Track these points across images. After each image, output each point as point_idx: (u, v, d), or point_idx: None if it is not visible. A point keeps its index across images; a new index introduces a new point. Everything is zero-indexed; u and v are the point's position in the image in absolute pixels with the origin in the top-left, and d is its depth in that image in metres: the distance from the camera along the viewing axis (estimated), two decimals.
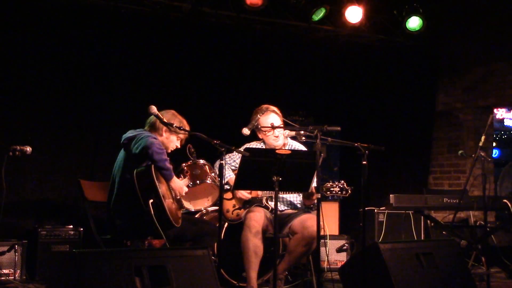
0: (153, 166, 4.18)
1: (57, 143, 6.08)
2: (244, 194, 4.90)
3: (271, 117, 4.80)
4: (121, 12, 6.14)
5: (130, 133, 4.42)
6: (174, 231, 4.31)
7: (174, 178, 4.37)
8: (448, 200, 5.83)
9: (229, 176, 4.91)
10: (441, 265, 4.30)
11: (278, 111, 4.90)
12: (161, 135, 4.48)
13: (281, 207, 4.92)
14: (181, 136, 4.55)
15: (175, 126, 4.38)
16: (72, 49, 6.13)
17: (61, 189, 6.07)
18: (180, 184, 4.44)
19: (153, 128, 4.48)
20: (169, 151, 4.56)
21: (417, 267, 4.20)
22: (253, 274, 4.61)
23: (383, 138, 7.39)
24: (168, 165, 4.27)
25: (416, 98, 7.89)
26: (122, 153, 4.47)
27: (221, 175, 4.05)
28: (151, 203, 4.09)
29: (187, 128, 4.53)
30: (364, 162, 4.17)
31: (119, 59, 6.35)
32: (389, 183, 7.59)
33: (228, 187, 4.87)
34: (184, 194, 4.47)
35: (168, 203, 4.25)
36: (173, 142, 4.55)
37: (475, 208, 5.83)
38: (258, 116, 4.78)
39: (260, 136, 4.95)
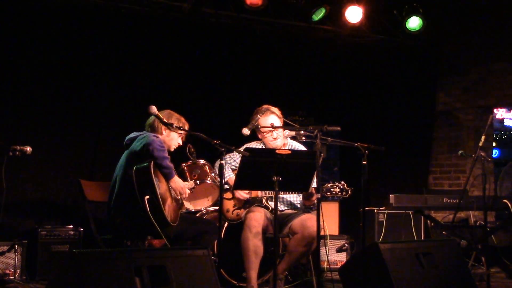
0: (152, 163, 4.18)
1: (57, 143, 6.09)
2: (242, 194, 4.90)
3: (270, 118, 4.80)
4: (121, 12, 6.14)
5: (132, 134, 4.44)
6: (174, 230, 4.32)
7: (175, 178, 4.36)
8: (448, 200, 5.84)
9: (229, 176, 4.91)
10: (441, 265, 4.30)
11: (278, 112, 4.89)
12: (161, 133, 4.49)
13: (281, 207, 4.92)
14: (182, 132, 4.56)
15: (175, 126, 4.39)
16: (72, 49, 6.13)
17: (61, 189, 6.07)
18: (181, 184, 4.42)
19: (152, 129, 4.49)
20: (172, 149, 4.57)
21: (417, 267, 4.20)
22: (253, 274, 4.61)
23: (383, 138, 7.39)
24: (169, 164, 4.27)
25: (416, 98, 7.89)
26: (124, 154, 4.48)
27: (221, 175, 4.05)
28: (147, 199, 4.09)
29: (186, 124, 4.55)
30: (364, 162, 4.16)
31: (119, 59, 6.35)
32: (389, 183, 7.58)
33: (228, 187, 4.87)
34: (185, 195, 4.46)
35: (167, 201, 4.25)
36: (174, 139, 4.55)
37: (475, 208, 5.84)
38: (258, 116, 4.78)
39: (259, 136, 4.95)
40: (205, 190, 4.95)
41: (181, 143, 4.62)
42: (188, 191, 4.48)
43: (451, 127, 7.89)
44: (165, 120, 4.39)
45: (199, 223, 4.68)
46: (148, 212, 4.08)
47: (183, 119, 4.55)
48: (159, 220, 4.13)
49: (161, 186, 4.22)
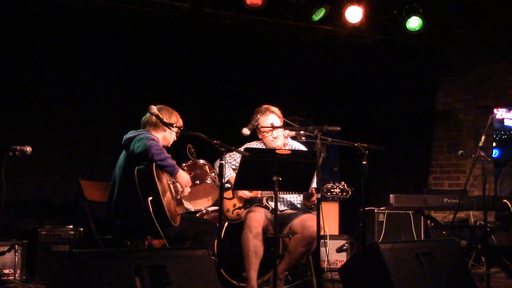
0: (154, 164, 4.18)
1: (57, 143, 6.08)
2: (245, 192, 4.90)
3: (270, 118, 4.80)
4: (121, 12, 6.14)
5: (130, 134, 4.43)
6: (174, 230, 4.32)
7: (180, 172, 4.38)
8: (448, 200, 5.83)
9: (230, 174, 4.91)
10: (441, 265, 4.30)
11: (278, 112, 4.90)
12: (164, 130, 4.49)
13: (281, 207, 4.92)
14: (178, 131, 4.57)
15: (175, 126, 4.40)
16: (72, 49, 6.13)
17: (61, 189, 6.07)
18: (187, 178, 4.45)
19: (155, 126, 4.48)
20: (169, 144, 4.58)
21: (417, 267, 4.20)
22: (253, 274, 4.61)
23: (383, 138, 7.39)
24: (171, 162, 4.28)
25: (416, 98, 7.89)
26: (123, 154, 4.48)
27: (221, 175, 4.05)
28: (150, 200, 4.10)
29: (180, 120, 4.55)
30: (364, 162, 4.16)
31: (119, 59, 6.35)
32: (389, 183, 7.58)
33: (229, 185, 4.87)
34: (189, 189, 4.47)
35: (168, 201, 4.25)
36: (173, 134, 4.58)
37: (475, 208, 5.83)
38: (258, 116, 4.79)
39: (259, 136, 4.96)
40: (205, 190, 4.94)
41: (175, 138, 4.63)
42: (188, 189, 4.49)
43: (451, 127, 7.89)
44: (165, 120, 4.39)
45: (199, 223, 4.68)
46: (151, 213, 4.07)
47: (175, 112, 4.56)
48: (161, 221, 4.13)
49: (161, 186, 4.22)
